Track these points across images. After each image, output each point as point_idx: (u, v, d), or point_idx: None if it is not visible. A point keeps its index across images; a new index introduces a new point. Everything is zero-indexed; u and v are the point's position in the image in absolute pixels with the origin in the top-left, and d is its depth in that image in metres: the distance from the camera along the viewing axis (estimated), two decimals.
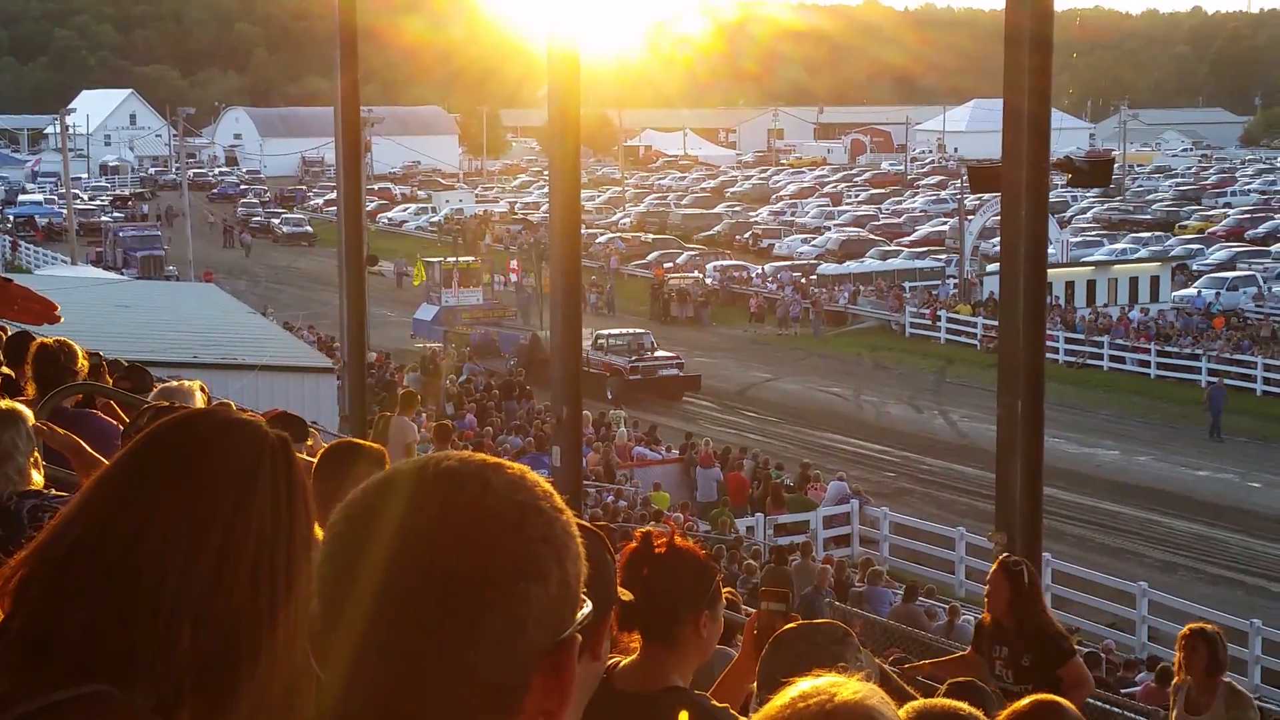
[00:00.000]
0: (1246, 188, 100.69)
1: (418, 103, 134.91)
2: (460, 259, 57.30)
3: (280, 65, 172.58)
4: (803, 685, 1.88)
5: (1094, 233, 76.72)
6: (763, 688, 3.31)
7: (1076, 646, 9.01)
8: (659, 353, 45.47)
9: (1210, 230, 77.84)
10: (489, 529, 1.55)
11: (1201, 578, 28.59)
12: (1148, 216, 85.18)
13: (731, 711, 3.84)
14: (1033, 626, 8.38)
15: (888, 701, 1.88)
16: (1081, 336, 49.48)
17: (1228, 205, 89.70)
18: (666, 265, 67.19)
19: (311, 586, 1.68)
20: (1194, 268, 64.31)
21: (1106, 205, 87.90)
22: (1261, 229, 77.10)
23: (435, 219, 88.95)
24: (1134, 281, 56.34)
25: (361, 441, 5.08)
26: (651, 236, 77.33)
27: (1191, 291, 57.35)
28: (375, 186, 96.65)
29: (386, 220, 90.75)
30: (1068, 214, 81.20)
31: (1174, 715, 8.95)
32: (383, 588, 1.53)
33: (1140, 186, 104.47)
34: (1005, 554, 9.16)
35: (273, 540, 1.92)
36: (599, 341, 45.43)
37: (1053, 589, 25.21)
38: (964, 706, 3.25)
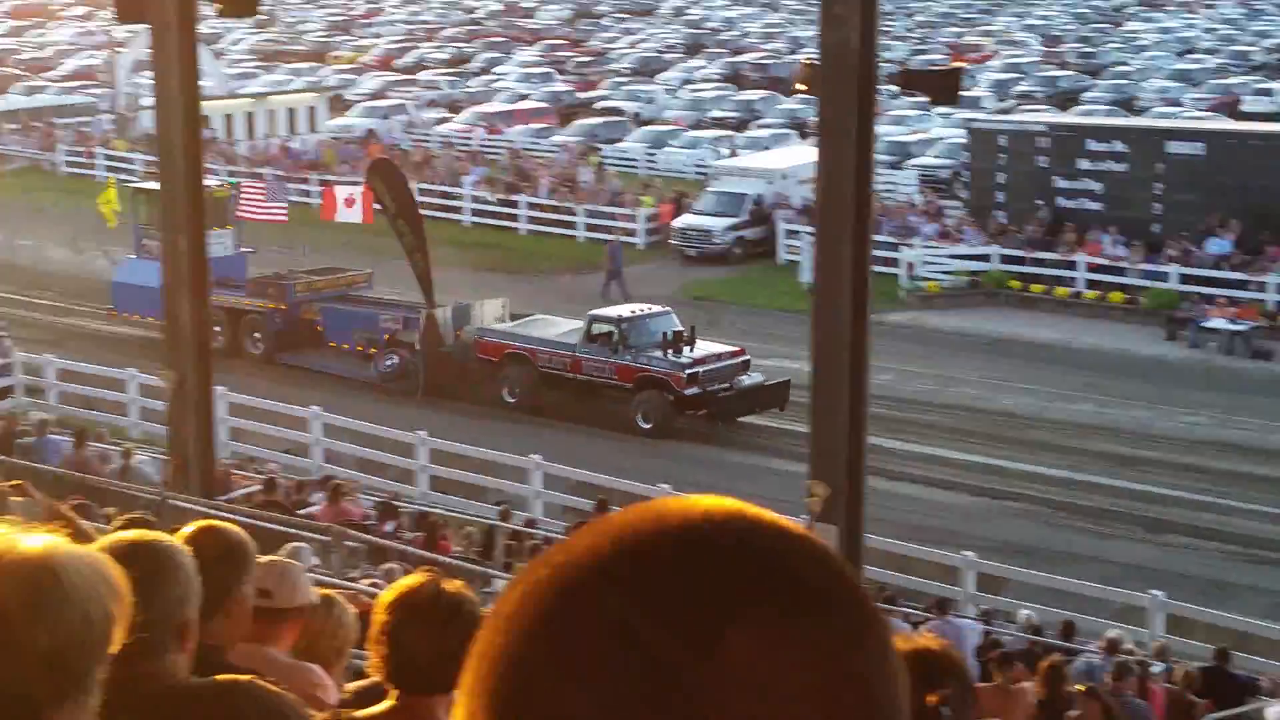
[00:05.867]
0: (393, 19, 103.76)
1: None
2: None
3: None
4: None
5: (250, 64, 76.47)
6: None
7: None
8: (708, 345, 29.08)
9: (361, 60, 79.79)
10: None
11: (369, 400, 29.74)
12: (301, 47, 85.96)
13: None
14: None
15: (76, 551, 1.82)
16: (244, 169, 49.37)
17: (377, 35, 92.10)
18: None
19: None
20: (347, 97, 65.79)
21: (260, 36, 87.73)
22: (409, 58, 79.96)
23: None
24: (292, 112, 56.76)
25: None
26: None
27: (348, 120, 58.74)
28: None
29: None
30: (221, 45, 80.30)
31: None
32: None
33: (293, 17, 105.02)
34: None
35: None
36: (596, 330, 28.85)
37: (229, 421, 25.41)
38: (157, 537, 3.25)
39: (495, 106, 62.03)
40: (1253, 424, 28.17)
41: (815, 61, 13.09)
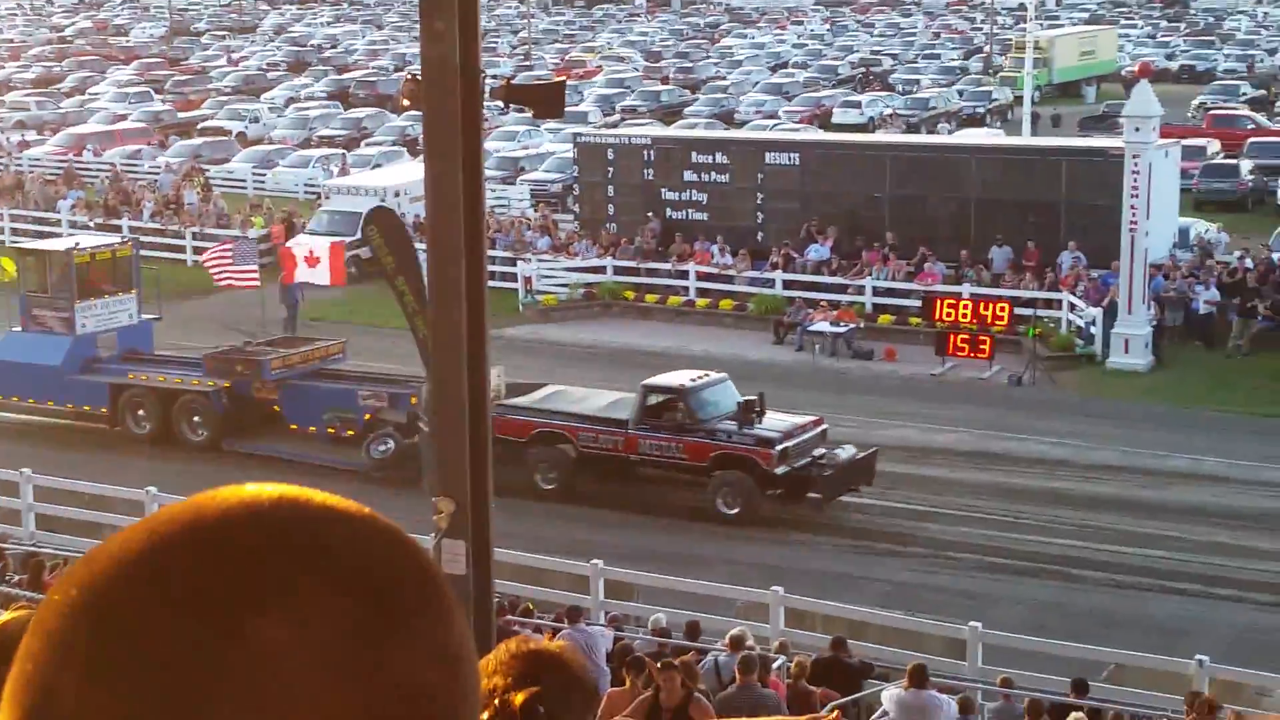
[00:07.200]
0: None
1: None
2: (102, 244, 31.23)
3: None
4: None
5: None
6: None
7: None
8: (781, 415, 25.18)
9: None
10: None
11: None
12: None
13: None
14: None
15: None
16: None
17: None
18: None
19: None
20: None
21: None
22: None
23: None
24: None
25: None
26: None
27: None
28: None
29: None
30: None
31: None
32: None
33: None
34: None
35: None
36: (652, 401, 25.06)
37: None
38: None
39: (91, 127, 59.59)
40: (856, 421, 29.41)
41: (420, 77, 12.98)
